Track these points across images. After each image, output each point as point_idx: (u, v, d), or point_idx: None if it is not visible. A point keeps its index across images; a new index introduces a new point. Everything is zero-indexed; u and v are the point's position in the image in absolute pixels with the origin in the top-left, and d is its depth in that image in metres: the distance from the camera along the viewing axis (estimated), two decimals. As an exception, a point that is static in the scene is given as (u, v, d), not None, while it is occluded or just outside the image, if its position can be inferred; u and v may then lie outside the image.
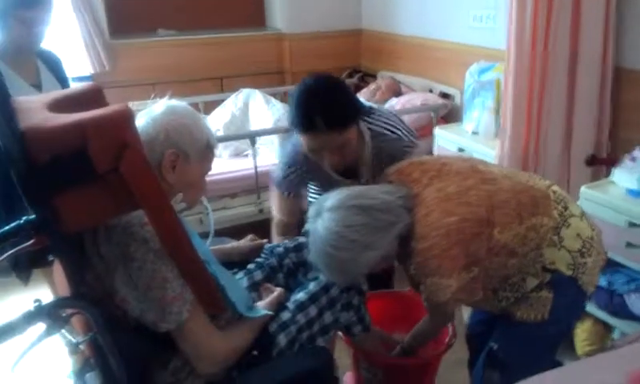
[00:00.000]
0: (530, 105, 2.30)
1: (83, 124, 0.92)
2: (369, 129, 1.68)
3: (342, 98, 1.55)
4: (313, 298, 1.41)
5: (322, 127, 1.48)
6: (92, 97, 1.16)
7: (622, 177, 2.00)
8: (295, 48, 3.93)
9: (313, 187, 2.01)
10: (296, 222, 1.84)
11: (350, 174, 1.71)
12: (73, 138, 0.91)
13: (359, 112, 1.62)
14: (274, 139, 3.01)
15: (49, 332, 0.93)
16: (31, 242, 0.92)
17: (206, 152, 1.28)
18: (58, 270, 1.08)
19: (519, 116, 2.30)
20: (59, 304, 0.96)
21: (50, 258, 1.01)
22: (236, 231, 2.06)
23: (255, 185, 2.80)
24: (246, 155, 3.02)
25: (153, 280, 1.08)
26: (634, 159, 2.00)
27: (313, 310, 1.40)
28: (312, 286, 1.43)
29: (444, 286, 1.29)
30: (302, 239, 1.61)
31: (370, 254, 1.28)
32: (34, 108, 0.99)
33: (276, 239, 1.84)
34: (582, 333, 2.13)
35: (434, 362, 1.74)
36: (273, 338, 1.33)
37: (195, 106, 3.48)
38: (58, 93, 1.12)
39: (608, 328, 2.10)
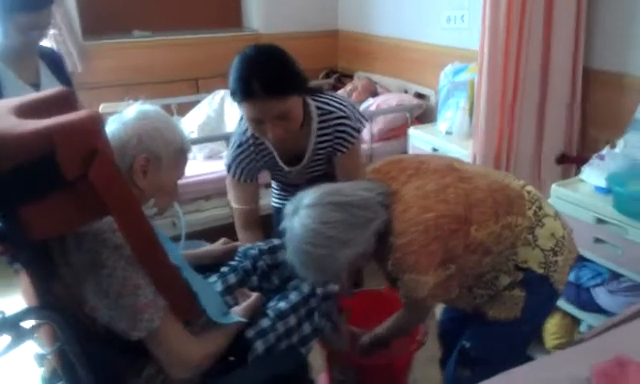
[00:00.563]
0: (503, 104, 2.34)
1: (51, 130, 0.91)
2: (317, 107, 1.64)
3: (281, 65, 1.48)
4: (294, 308, 1.41)
5: (260, 93, 1.42)
6: (62, 101, 1.15)
7: (590, 175, 2.05)
8: (271, 48, 3.92)
9: (275, 189, 2.01)
10: (256, 211, 1.79)
11: (296, 161, 1.71)
12: (40, 144, 0.90)
13: (302, 82, 1.54)
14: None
15: (14, 344, 0.92)
16: (-2, 249, 0.91)
17: (179, 156, 1.28)
18: (24, 278, 1.07)
19: (492, 116, 2.34)
20: (23, 315, 0.95)
21: (15, 266, 1.00)
22: (210, 234, 2.04)
23: (230, 187, 2.78)
24: (221, 157, 2.99)
25: (124, 287, 1.08)
26: (601, 157, 2.06)
27: (292, 320, 1.40)
28: (293, 296, 1.43)
29: (421, 282, 1.30)
30: (275, 241, 1.60)
31: (348, 251, 1.27)
32: None
33: (240, 233, 1.78)
34: (551, 327, 2.18)
35: (406, 360, 1.77)
36: (250, 344, 1.32)
37: (168, 107, 3.46)
38: (26, 97, 1.11)
39: (576, 321, 2.16)
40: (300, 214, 1.28)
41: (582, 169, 2.10)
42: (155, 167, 1.22)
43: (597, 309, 2.02)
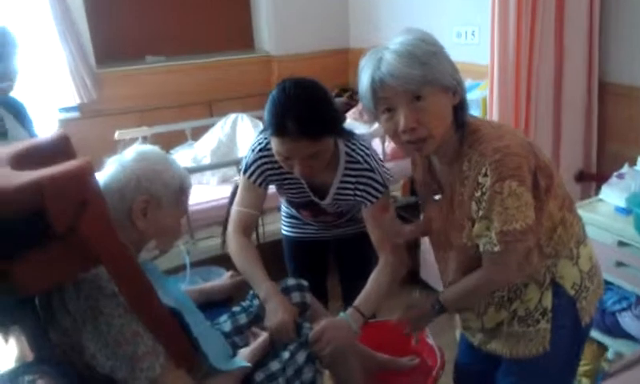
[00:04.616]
0: (517, 122, 2.28)
1: (41, 183, 0.90)
2: (346, 153, 1.60)
3: (319, 106, 1.45)
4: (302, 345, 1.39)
5: (294, 133, 1.39)
6: (59, 147, 1.14)
7: (610, 194, 1.98)
8: (284, 69, 3.91)
9: (286, 216, 1.96)
10: (256, 219, 1.69)
11: (318, 192, 1.67)
12: (30, 198, 0.89)
13: (337, 126, 1.52)
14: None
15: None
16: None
17: (179, 196, 1.26)
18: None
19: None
20: (20, 371, 0.94)
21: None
22: (225, 259, 2.01)
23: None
24: (234, 181, 2.99)
25: (122, 335, 1.06)
26: (621, 176, 1.98)
27: (301, 358, 1.37)
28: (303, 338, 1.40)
29: (523, 199, 1.12)
30: (290, 281, 1.57)
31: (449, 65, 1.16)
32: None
33: (234, 239, 1.62)
34: (577, 353, 2.09)
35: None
36: None
37: (182, 132, 3.48)
38: (22, 145, 1.10)
39: (602, 347, 2.07)
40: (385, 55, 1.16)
41: (602, 188, 2.03)
42: (155, 208, 1.20)
43: (623, 334, 1.94)
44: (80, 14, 3.32)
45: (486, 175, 1.15)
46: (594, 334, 2.02)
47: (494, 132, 1.20)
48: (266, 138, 1.60)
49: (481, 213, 1.18)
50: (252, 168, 1.64)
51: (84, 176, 0.93)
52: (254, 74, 3.95)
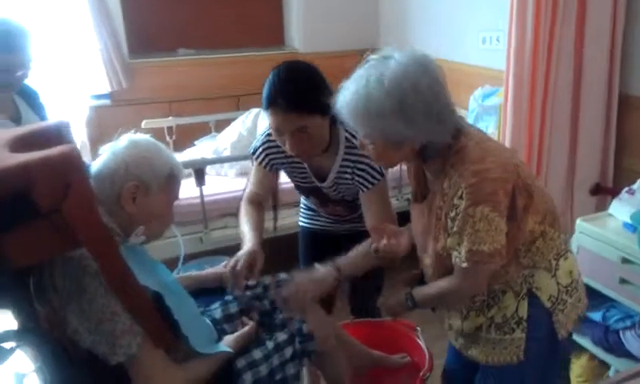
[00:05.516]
0: (531, 131, 2.25)
1: (28, 166, 0.96)
2: (346, 138, 1.68)
3: (307, 83, 1.56)
4: (291, 339, 1.41)
5: (282, 106, 1.51)
6: (57, 133, 1.21)
7: (620, 210, 1.94)
8: (311, 67, 3.95)
9: (303, 208, 2.03)
10: (265, 199, 1.84)
11: (320, 176, 1.76)
12: (17, 179, 0.96)
13: (327, 106, 1.53)
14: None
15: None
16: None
17: (169, 182, 1.31)
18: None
19: (518, 142, 2.26)
20: (3, 337, 1.00)
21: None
22: (237, 250, 2.06)
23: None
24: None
25: (103, 313, 1.11)
26: (631, 192, 1.93)
27: (289, 352, 1.40)
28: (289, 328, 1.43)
29: (493, 226, 1.16)
30: (283, 276, 1.61)
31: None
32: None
33: (243, 206, 1.81)
34: (577, 368, 2.06)
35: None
36: (238, 374, 1.32)
37: (206, 124, 3.56)
38: (23, 130, 1.18)
39: (605, 365, 2.02)
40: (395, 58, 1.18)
41: (612, 203, 1.99)
42: (144, 193, 1.26)
43: (626, 354, 1.90)
44: (115, 5, 3.43)
45: (461, 198, 1.19)
46: (595, 350, 1.98)
47: (478, 152, 1.21)
48: None
49: (454, 229, 1.22)
50: (259, 151, 1.80)
51: (70, 160, 0.99)
52: (282, 70, 3.99)
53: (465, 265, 1.22)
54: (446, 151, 1.24)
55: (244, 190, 1.90)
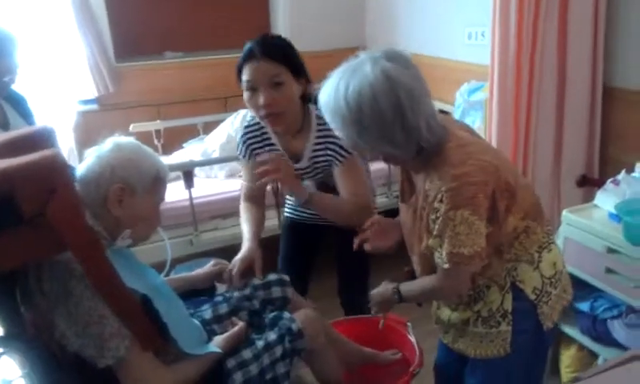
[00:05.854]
0: (517, 124, 2.27)
1: (10, 172, 0.96)
2: (317, 117, 1.72)
3: (284, 42, 1.69)
4: (281, 339, 1.42)
5: (258, 54, 1.60)
6: (41, 138, 1.20)
7: (605, 200, 1.95)
8: (298, 66, 3.96)
9: (289, 198, 2.06)
10: (257, 191, 1.90)
11: (295, 157, 1.80)
12: (1, 184, 0.96)
13: (299, 66, 1.68)
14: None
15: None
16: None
17: (155, 184, 1.31)
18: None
19: (504, 136, 2.28)
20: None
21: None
22: (229, 252, 2.07)
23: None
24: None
25: (90, 316, 1.12)
26: (616, 182, 1.95)
27: (279, 351, 1.41)
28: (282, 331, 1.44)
29: (473, 229, 1.18)
30: (271, 276, 1.63)
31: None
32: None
33: (241, 204, 1.91)
34: (566, 359, 2.08)
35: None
36: (229, 374, 1.33)
37: (194, 126, 3.56)
38: (8, 135, 1.17)
39: (594, 355, 2.04)
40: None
41: (597, 194, 2.01)
42: (130, 196, 1.26)
43: (614, 343, 1.91)
44: (100, 9, 3.42)
45: (441, 201, 1.20)
46: (584, 340, 2.00)
47: (459, 155, 1.23)
48: (252, 116, 1.82)
49: (435, 232, 1.24)
50: (240, 146, 1.89)
51: (53, 165, 1.00)
52: (269, 70, 3.99)
53: (446, 266, 1.24)
54: (427, 153, 1.25)
55: (240, 190, 1.96)
